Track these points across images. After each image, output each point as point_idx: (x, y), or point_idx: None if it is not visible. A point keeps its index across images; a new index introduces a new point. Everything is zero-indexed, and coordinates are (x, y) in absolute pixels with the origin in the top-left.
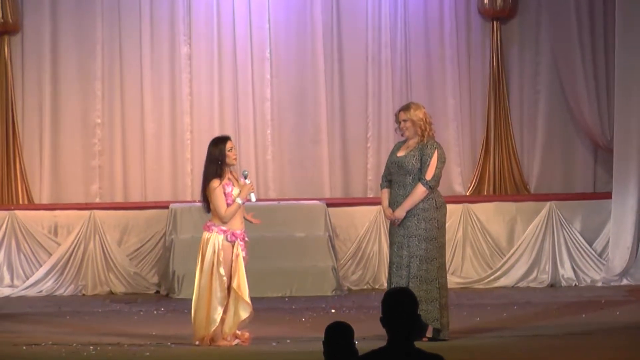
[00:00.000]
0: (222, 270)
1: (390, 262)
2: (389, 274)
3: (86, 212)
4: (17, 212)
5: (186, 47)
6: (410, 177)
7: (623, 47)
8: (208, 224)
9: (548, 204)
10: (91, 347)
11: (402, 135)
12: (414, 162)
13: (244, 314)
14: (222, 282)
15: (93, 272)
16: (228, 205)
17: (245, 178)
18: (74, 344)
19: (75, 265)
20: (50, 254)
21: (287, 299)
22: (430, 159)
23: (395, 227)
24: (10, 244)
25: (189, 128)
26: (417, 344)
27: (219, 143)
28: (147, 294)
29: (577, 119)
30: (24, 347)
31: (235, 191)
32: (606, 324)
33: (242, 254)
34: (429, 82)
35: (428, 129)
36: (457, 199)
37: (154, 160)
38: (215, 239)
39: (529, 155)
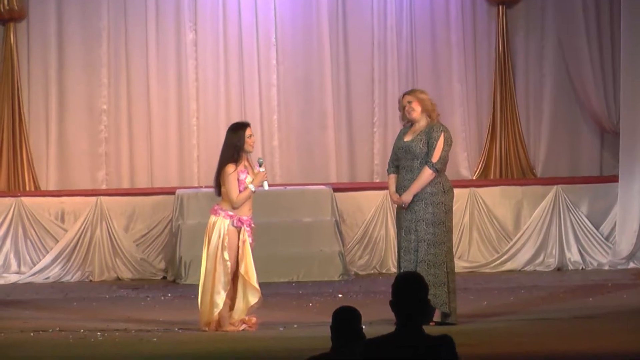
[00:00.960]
0: (226, 255)
1: (398, 247)
2: (398, 258)
3: (93, 199)
4: (23, 198)
5: (192, 34)
6: (418, 162)
7: (628, 30)
8: (215, 208)
9: (554, 187)
10: (98, 333)
11: (408, 118)
12: (421, 145)
13: (253, 299)
14: (226, 266)
15: (100, 258)
16: (240, 191)
17: (260, 166)
18: (81, 330)
19: (82, 251)
20: (57, 241)
21: (294, 284)
22: (437, 142)
23: (402, 212)
24: (17, 231)
25: (195, 114)
26: (425, 328)
27: (238, 129)
28: (154, 280)
29: (583, 103)
30: (32, 334)
31: (249, 179)
32: (613, 307)
33: (248, 239)
34: (434, 67)
35: (434, 110)
36: (464, 183)
37: (161, 147)
38: (221, 223)
39: (535, 139)
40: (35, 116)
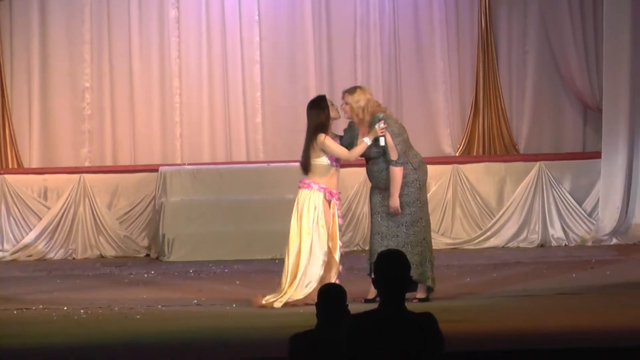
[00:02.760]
0: (323, 225)
1: (373, 232)
2: (372, 243)
3: (76, 176)
4: (6, 176)
5: (174, 11)
6: (380, 159)
7: (611, 5)
8: (306, 182)
9: (537, 164)
10: (82, 311)
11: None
12: (375, 150)
13: (333, 274)
14: (325, 238)
15: (83, 235)
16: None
17: (380, 121)
18: (65, 308)
19: (65, 229)
20: (40, 218)
21: (277, 261)
22: (386, 142)
23: (377, 196)
24: (0, 209)
25: (178, 91)
26: (408, 305)
27: (319, 103)
28: (137, 257)
29: (566, 80)
30: (15, 312)
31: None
32: (596, 283)
33: (337, 213)
34: (417, 44)
35: (365, 116)
36: (447, 160)
37: (143, 124)
38: (316, 196)
39: (518, 116)
40: (17, 94)
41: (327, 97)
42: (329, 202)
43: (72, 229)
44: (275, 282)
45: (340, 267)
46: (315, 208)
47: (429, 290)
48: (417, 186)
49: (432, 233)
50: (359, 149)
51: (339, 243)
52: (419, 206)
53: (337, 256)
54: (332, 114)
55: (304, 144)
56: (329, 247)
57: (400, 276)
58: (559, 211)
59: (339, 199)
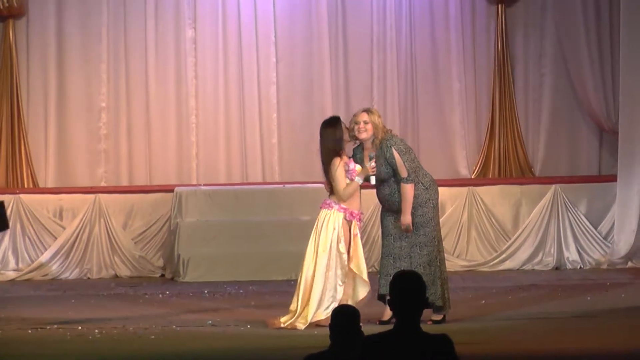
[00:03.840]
0: (342, 248)
1: (385, 254)
2: (383, 265)
3: (91, 196)
4: (22, 195)
5: (191, 31)
6: (391, 180)
7: (628, 29)
8: (328, 202)
9: (553, 186)
10: (96, 330)
11: (356, 136)
12: (385, 170)
13: (363, 293)
14: (343, 259)
15: (98, 255)
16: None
17: (371, 160)
18: (79, 327)
19: (80, 248)
20: (55, 238)
21: (292, 282)
22: (395, 160)
23: (388, 218)
24: (15, 228)
25: (194, 112)
26: (424, 327)
27: (335, 123)
28: (152, 278)
29: (582, 102)
30: (29, 331)
31: (358, 167)
32: (611, 306)
33: (358, 233)
34: (433, 65)
35: (382, 131)
36: (462, 182)
37: (159, 144)
38: (336, 217)
39: (534, 138)
40: (34, 113)
41: (341, 118)
42: (350, 223)
43: (87, 249)
44: (290, 303)
45: (369, 289)
46: (334, 229)
47: (439, 309)
48: (431, 206)
49: (447, 255)
50: (352, 189)
51: (363, 264)
52: (433, 226)
53: (364, 276)
54: (345, 136)
55: (323, 165)
56: (351, 268)
57: (416, 297)
58: (574, 234)
59: (360, 219)
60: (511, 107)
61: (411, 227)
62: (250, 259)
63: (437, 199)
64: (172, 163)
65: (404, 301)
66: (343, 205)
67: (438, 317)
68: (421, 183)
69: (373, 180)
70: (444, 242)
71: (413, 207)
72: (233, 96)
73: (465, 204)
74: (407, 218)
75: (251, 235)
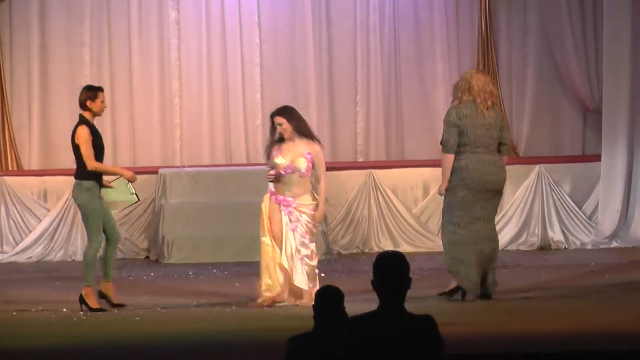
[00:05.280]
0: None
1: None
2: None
3: None
4: (6, 178)
5: (174, 12)
6: None
7: (611, 8)
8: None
9: (537, 167)
10: (81, 312)
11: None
12: None
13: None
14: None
15: (83, 237)
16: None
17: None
18: (64, 309)
19: (64, 231)
20: (40, 220)
21: None
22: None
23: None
24: None
25: (178, 93)
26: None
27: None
28: (136, 259)
29: (565, 82)
30: (14, 313)
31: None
32: (595, 286)
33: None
34: (417, 46)
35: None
36: None
37: (143, 126)
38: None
39: (517, 119)
40: (17, 95)
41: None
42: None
43: (72, 231)
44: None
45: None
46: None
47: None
48: (451, 192)
49: (431, 235)
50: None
51: (293, 249)
52: (452, 212)
53: (311, 262)
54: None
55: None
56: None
57: (399, 277)
58: (558, 214)
59: (286, 205)
60: (495, 88)
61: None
62: (234, 241)
63: (456, 183)
64: (156, 145)
65: (387, 282)
66: (271, 189)
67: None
68: (454, 166)
69: (272, 187)
70: (428, 223)
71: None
72: (216, 78)
73: None
74: (440, 187)
75: (235, 217)
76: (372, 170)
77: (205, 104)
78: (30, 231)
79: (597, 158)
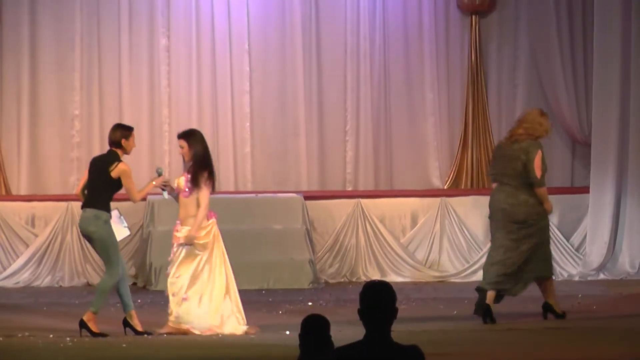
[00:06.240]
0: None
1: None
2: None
3: (64, 204)
4: None
5: (165, 39)
6: None
7: (601, 41)
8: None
9: None
10: (68, 338)
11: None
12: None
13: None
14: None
15: (70, 263)
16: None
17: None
18: (51, 335)
19: (52, 256)
20: (28, 245)
21: (264, 292)
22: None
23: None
24: None
25: (167, 120)
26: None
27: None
28: None
29: (555, 114)
30: (1, 338)
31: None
32: (583, 318)
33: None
34: (407, 75)
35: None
36: (435, 193)
37: (132, 153)
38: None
39: None
40: (7, 120)
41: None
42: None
43: (60, 257)
44: (262, 312)
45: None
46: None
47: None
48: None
49: (419, 265)
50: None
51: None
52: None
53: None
54: None
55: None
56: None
57: (385, 306)
58: None
59: (176, 230)
60: (484, 118)
61: None
62: None
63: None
64: (145, 171)
65: (373, 311)
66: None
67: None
68: None
69: (166, 195)
70: (416, 252)
71: None
72: (206, 105)
73: (437, 215)
74: None
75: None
76: (361, 200)
77: None
78: (18, 256)
79: (585, 190)
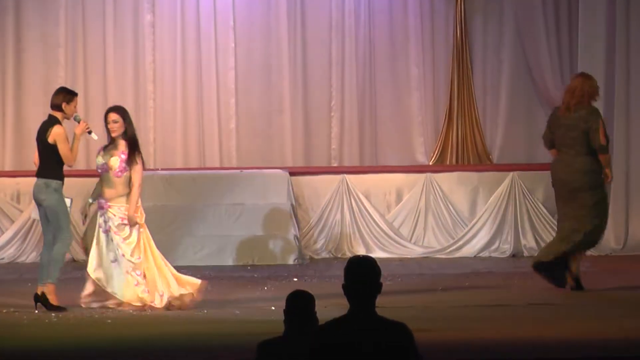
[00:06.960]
0: None
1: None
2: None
3: None
4: None
5: (149, 15)
6: None
7: (586, 15)
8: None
9: (510, 174)
10: (52, 314)
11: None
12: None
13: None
14: None
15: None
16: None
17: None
18: (36, 311)
19: (37, 232)
20: (13, 221)
21: (249, 268)
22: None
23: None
24: None
25: (152, 96)
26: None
27: None
28: None
29: (540, 90)
30: None
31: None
32: (567, 294)
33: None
34: (392, 51)
35: None
36: (420, 169)
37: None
38: None
39: (491, 126)
40: None
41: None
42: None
43: None
44: (247, 288)
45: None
46: None
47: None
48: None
49: (404, 241)
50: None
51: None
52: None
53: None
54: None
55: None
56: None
57: (369, 281)
58: (531, 221)
59: (101, 207)
60: (469, 94)
61: None
62: (206, 244)
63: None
64: None
65: (357, 286)
66: None
67: None
68: None
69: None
70: (401, 229)
71: None
72: (191, 81)
73: (422, 191)
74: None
75: (208, 220)
76: (346, 175)
77: (179, 108)
78: (2, 232)
79: None
